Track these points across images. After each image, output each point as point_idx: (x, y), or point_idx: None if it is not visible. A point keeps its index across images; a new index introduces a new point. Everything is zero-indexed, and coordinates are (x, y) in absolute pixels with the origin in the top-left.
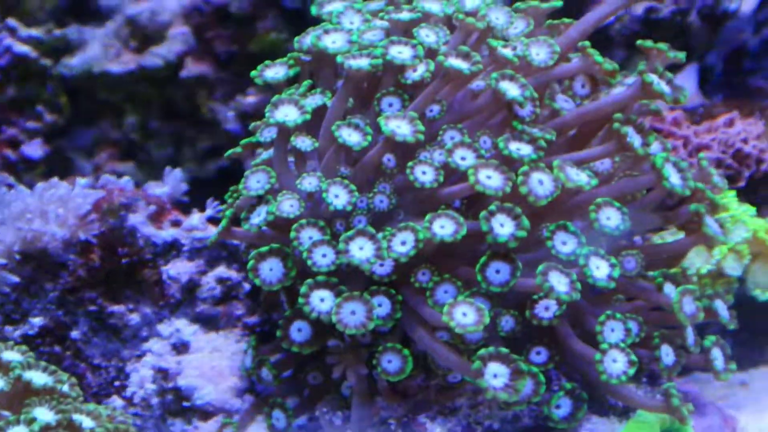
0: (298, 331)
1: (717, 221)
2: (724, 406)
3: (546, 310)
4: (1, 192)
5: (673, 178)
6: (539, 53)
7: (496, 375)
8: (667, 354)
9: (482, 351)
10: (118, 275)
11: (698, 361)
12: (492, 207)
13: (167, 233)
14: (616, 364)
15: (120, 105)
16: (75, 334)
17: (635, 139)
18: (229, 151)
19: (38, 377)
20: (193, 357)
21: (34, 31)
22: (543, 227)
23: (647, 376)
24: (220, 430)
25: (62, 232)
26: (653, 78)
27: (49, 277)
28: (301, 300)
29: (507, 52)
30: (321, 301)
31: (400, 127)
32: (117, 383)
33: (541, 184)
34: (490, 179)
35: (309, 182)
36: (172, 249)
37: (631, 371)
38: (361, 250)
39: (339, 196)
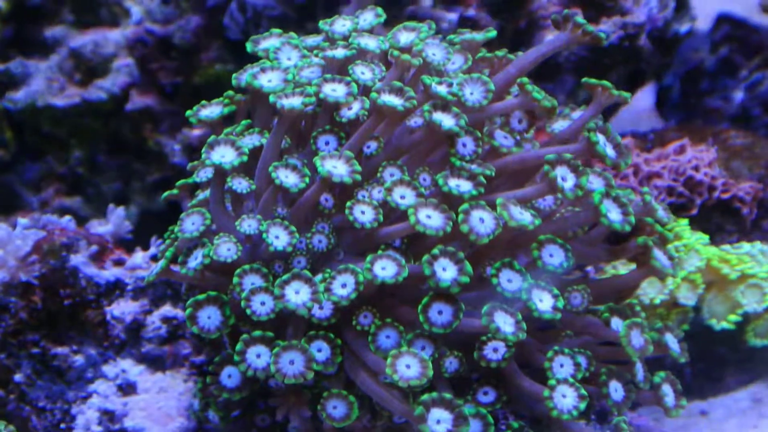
0: (228, 377)
1: (666, 252)
2: None
3: (495, 351)
4: None
5: (612, 214)
6: (473, 92)
7: (439, 421)
8: (615, 390)
9: (425, 396)
10: (61, 316)
11: (648, 398)
12: (435, 251)
13: (110, 273)
14: (565, 399)
15: (65, 139)
16: (18, 377)
17: (569, 180)
18: (166, 193)
19: None
20: (139, 398)
21: None
22: (487, 264)
23: (596, 413)
24: None
25: (2, 275)
26: (599, 138)
27: None
28: (236, 357)
29: (441, 89)
30: (257, 357)
31: (336, 167)
32: (63, 426)
33: (482, 222)
34: (430, 219)
35: (248, 225)
36: (116, 289)
37: (582, 405)
38: (297, 294)
39: (279, 237)
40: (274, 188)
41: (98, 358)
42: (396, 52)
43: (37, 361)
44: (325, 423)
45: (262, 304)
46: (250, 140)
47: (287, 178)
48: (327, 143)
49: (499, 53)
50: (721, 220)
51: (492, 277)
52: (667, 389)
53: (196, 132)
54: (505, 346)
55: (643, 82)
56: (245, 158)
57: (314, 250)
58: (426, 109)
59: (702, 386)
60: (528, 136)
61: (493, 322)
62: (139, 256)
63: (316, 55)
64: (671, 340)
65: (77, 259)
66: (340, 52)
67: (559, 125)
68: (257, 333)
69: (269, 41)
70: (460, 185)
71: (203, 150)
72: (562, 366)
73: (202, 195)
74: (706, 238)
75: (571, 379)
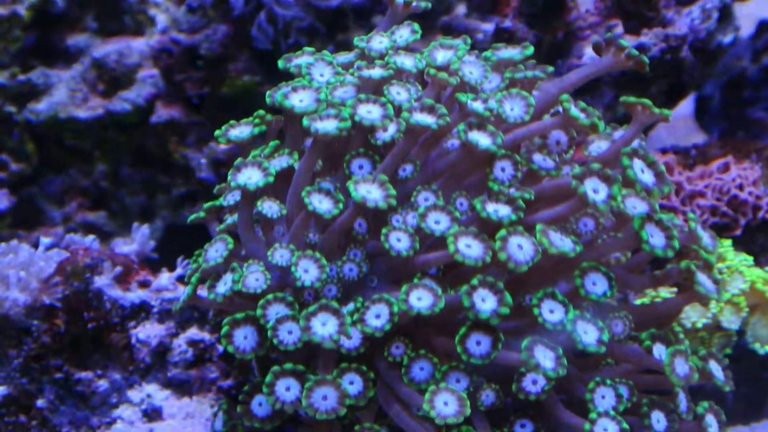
0: (259, 406)
1: (711, 276)
2: None
3: (534, 384)
4: None
5: (654, 240)
6: (513, 108)
7: None
8: (658, 421)
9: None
10: (84, 340)
11: (692, 428)
12: (474, 281)
13: (135, 295)
14: None
15: (89, 152)
16: (41, 402)
17: (600, 192)
18: (192, 217)
19: None
20: (165, 424)
21: None
22: (527, 293)
23: None
24: None
25: (24, 297)
26: (634, 164)
27: (12, 344)
28: (265, 389)
29: (477, 106)
30: (287, 390)
31: (370, 192)
32: None
33: (520, 249)
34: (470, 248)
35: (281, 255)
36: (141, 311)
37: None
38: (323, 326)
39: (309, 271)
40: (307, 214)
41: (123, 382)
42: (432, 71)
43: (61, 386)
44: None
45: (290, 333)
46: (279, 162)
47: (321, 203)
48: (361, 167)
49: (529, 74)
50: (765, 240)
51: (533, 308)
52: (710, 420)
53: (224, 146)
54: (545, 379)
55: (685, 94)
56: (271, 179)
57: (345, 279)
58: (461, 128)
59: (745, 411)
60: (567, 157)
61: (533, 357)
62: (164, 278)
63: (352, 74)
64: (716, 368)
65: (101, 280)
66: (376, 72)
67: (596, 147)
68: (288, 366)
69: (302, 58)
70: (499, 210)
71: (230, 173)
72: (603, 397)
73: (230, 219)
74: (750, 259)
75: (612, 412)
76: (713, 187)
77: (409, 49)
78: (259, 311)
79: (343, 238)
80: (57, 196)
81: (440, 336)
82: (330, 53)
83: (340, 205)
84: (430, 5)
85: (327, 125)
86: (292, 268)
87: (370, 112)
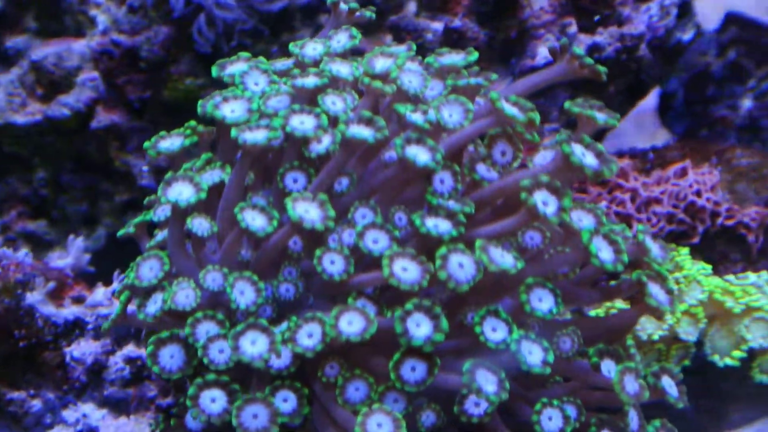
0: (193, 420)
1: (663, 287)
2: None
3: (476, 406)
4: None
5: (603, 254)
6: (452, 114)
7: None
8: None
9: None
10: (16, 359)
11: None
12: (408, 306)
13: (69, 311)
14: None
15: (28, 159)
16: None
17: (551, 205)
18: (122, 231)
19: None
20: None
21: None
22: (469, 312)
23: None
24: None
25: None
26: (574, 148)
27: None
28: (189, 402)
29: (416, 117)
30: (212, 401)
31: (308, 211)
32: None
33: (461, 268)
34: (406, 272)
35: (212, 278)
36: (75, 328)
37: None
38: (253, 345)
39: (245, 293)
40: (240, 232)
41: (57, 402)
42: (367, 80)
43: None
44: None
45: (221, 351)
46: (211, 176)
47: (254, 220)
48: (295, 180)
49: (472, 81)
50: (725, 248)
51: (475, 326)
52: None
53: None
54: (488, 402)
55: (644, 93)
56: (204, 195)
57: (281, 300)
58: (398, 143)
59: (706, 423)
60: (513, 168)
61: (475, 381)
62: (100, 293)
63: (285, 83)
64: (669, 384)
65: (33, 297)
66: (310, 81)
67: (542, 158)
68: (211, 377)
69: (236, 65)
70: (438, 225)
71: (160, 187)
72: (550, 419)
73: (160, 235)
74: (708, 268)
75: None
76: (669, 193)
77: (347, 54)
78: (187, 330)
79: (278, 257)
80: None
81: (377, 356)
82: (267, 60)
83: (275, 222)
84: (374, 16)
85: (256, 136)
86: (228, 290)
87: (303, 122)
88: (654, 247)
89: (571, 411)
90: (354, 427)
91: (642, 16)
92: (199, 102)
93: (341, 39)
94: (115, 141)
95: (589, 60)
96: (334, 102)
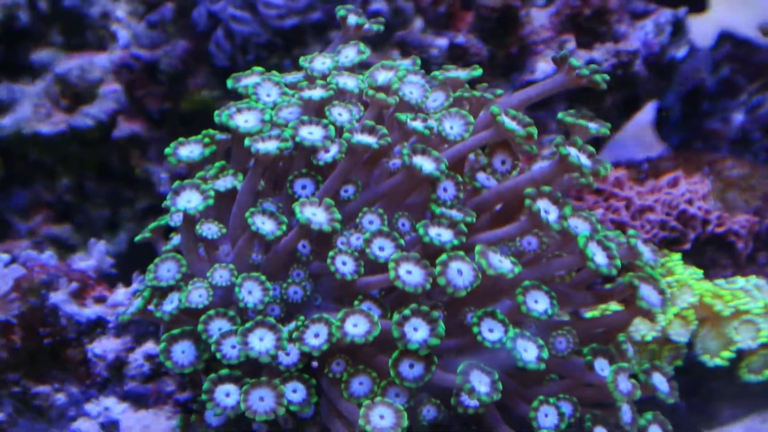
0: (214, 416)
1: (655, 289)
2: None
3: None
4: None
5: (598, 258)
6: (453, 126)
7: None
8: None
9: None
10: (41, 355)
11: None
12: (406, 311)
13: (91, 311)
14: None
15: (53, 167)
16: None
17: (552, 213)
18: (139, 236)
19: None
20: None
21: None
22: (468, 312)
23: None
24: None
25: None
26: (570, 150)
27: None
28: (204, 396)
29: (417, 124)
30: (226, 395)
31: (315, 214)
32: None
33: (460, 274)
34: (411, 275)
35: (220, 275)
36: (97, 326)
37: None
38: (261, 342)
39: (252, 293)
40: (251, 235)
41: (80, 396)
42: (371, 92)
43: (18, 399)
44: None
45: (233, 347)
46: (223, 182)
47: (264, 224)
48: (304, 187)
49: (476, 93)
50: (715, 254)
51: (473, 326)
52: (655, 430)
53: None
54: (480, 403)
55: (639, 107)
56: (211, 201)
57: (289, 301)
58: (405, 152)
59: (697, 421)
60: (512, 176)
61: (469, 381)
62: (120, 293)
63: (294, 95)
64: (659, 381)
65: (57, 296)
66: (316, 93)
67: (539, 167)
68: (224, 372)
69: (250, 78)
70: (441, 234)
71: (168, 196)
72: (546, 416)
73: (175, 239)
74: (699, 273)
75: (554, 431)
76: (662, 201)
77: (355, 69)
78: (200, 326)
79: (287, 258)
80: (23, 210)
81: (380, 355)
82: (279, 73)
83: (283, 227)
84: (382, 28)
85: (268, 146)
86: (236, 289)
87: (311, 133)
88: (645, 251)
89: (567, 408)
90: (358, 419)
91: (637, 33)
92: (216, 112)
93: (349, 54)
94: (135, 150)
95: (585, 71)
96: (340, 113)
